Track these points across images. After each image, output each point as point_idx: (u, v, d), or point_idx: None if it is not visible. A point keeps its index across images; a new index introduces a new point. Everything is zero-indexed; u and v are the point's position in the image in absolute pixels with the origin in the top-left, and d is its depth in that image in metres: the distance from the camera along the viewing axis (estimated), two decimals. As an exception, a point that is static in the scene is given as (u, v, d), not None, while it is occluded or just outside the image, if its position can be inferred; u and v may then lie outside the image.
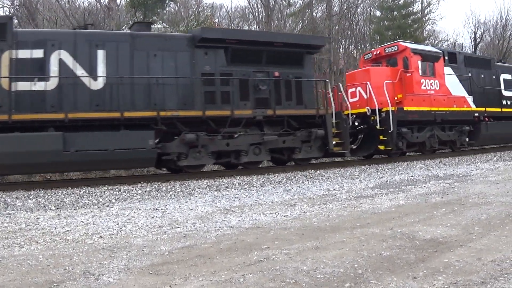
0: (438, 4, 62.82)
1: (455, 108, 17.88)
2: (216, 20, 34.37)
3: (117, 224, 7.06)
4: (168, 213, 7.90)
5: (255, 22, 37.44)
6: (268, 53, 13.56)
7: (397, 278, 4.09)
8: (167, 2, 26.12)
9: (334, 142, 14.24)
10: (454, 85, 18.16)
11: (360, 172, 13.55)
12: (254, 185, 11.35)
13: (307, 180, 12.13)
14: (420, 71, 16.89)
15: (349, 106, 15.76)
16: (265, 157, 13.78)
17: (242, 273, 4.41)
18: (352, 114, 15.64)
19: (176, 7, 33.78)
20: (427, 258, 4.68)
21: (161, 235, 6.21)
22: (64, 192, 10.36)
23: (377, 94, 15.82)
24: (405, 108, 16.21)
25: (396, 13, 34.91)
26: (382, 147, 15.94)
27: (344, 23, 37.00)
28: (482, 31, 45.08)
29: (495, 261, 4.49)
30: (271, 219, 7.16)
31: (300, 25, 36.74)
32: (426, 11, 41.31)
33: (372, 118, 15.78)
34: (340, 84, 17.14)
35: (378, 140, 15.64)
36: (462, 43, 46.56)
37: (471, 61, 19.70)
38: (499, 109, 20.10)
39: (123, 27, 26.58)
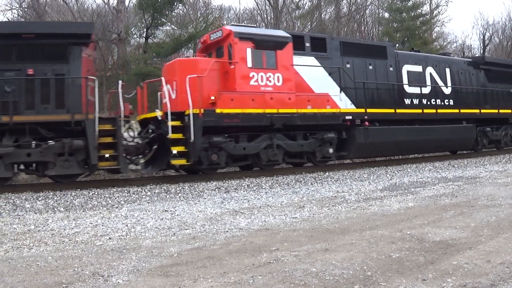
0: (447, 5, 62.43)
1: (309, 110, 13.78)
2: (225, 22, 34.42)
3: (126, 225, 7.09)
4: (177, 215, 7.91)
5: (263, 24, 37.52)
6: (17, 47, 11.20)
7: (406, 280, 4.10)
8: (175, 4, 26.22)
9: (107, 155, 11.27)
10: (317, 80, 14.30)
11: (369, 174, 13.48)
12: (263, 187, 11.34)
13: (316, 182, 12.09)
14: (249, 62, 13.05)
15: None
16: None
17: (251, 274, 4.42)
18: (145, 119, 12.95)
19: (185, 9, 33.97)
20: (436, 260, 4.68)
21: (170, 237, 6.23)
22: (73, 193, 10.38)
23: (180, 92, 12.58)
24: (218, 111, 12.36)
25: (404, 14, 34.83)
26: (177, 162, 12.06)
27: (353, 24, 36.94)
28: (490, 32, 44.94)
29: (505, 263, 4.49)
30: (280, 220, 7.16)
31: (309, 26, 36.77)
32: (434, 12, 41.30)
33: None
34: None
35: (171, 152, 11.87)
36: (471, 45, 46.50)
37: (352, 48, 15.61)
38: (391, 110, 15.84)
39: (132, 29, 26.70)
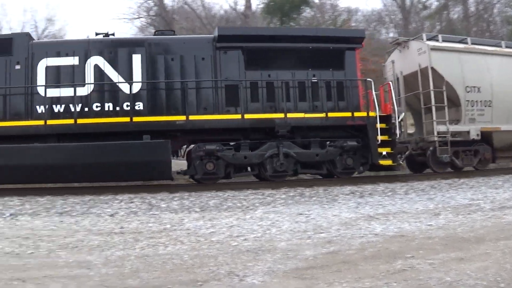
0: None
1: None
2: (354, 24, 33.79)
3: (261, 227, 7.15)
4: (312, 218, 7.84)
5: (392, 25, 36.31)
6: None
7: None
8: (302, 7, 26.26)
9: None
10: None
11: (503, 181, 12.66)
12: (398, 193, 11.01)
13: (451, 189, 11.56)
14: None
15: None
16: None
17: (386, 281, 4.38)
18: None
19: (312, 12, 33.93)
20: None
21: (305, 240, 6.20)
22: (208, 195, 10.68)
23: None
24: None
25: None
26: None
27: (482, 24, 34.37)
28: None
29: None
30: (415, 227, 6.99)
31: (438, 27, 34.92)
32: None
33: None
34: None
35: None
36: None
37: None
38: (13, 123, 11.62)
39: None
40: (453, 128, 13.72)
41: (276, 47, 12.61)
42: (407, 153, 14.04)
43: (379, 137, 12.23)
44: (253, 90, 12.44)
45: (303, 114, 12.34)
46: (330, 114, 12.42)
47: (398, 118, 12.65)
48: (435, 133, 13.47)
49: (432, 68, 13.64)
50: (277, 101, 12.37)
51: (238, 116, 12.08)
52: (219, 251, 5.66)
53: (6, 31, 34.32)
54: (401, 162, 13.53)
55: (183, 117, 11.96)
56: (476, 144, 14.14)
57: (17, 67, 11.97)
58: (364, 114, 12.54)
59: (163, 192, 11.13)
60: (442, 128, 13.53)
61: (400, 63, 15.04)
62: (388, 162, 12.37)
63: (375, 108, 12.40)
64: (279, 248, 5.67)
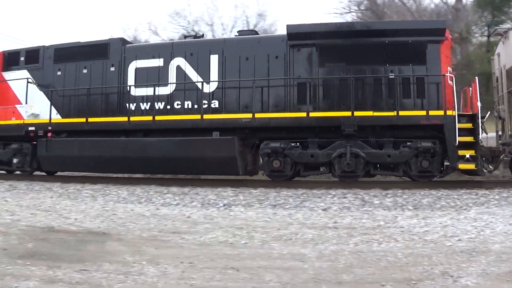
0: None
1: None
2: None
3: (475, 228, 7.16)
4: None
5: None
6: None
7: None
8: (514, 0, 24.76)
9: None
10: (11, 94, 14.57)
11: None
12: None
13: None
14: None
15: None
16: None
17: None
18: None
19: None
20: None
21: (519, 243, 6.20)
22: (421, 193, 10.59)
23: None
24: None
25: None
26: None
27: None
28: None
29: None
30: None
31: None
32: None
33: None
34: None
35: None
36: None
37: (65, 54, 14.33)
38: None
39: (472, 28, 26.13)
40: None
41: (351, 42, 12.40)
42: (502, 156, 12.28)
43: (458, 138, 11.22)
44: (325, 88, 12.40)
45: (371, 112, 11.81)
46: (402, 113, 11.65)
47: (482, 117, 11.69)
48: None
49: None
50: (349, 98, 11.93)
51: (303, 114, 12.19)
52: (433, 250, 5.82)
53: (218, 26, 36.01)
54: (489, 167, 12.13)
55: (249, 115, 12.41)
56: None
57: (112, 69, 13.80)
58: (441, 112, 11.51)
59: (375, 189, 11.27)
60: None
61: (503, 56, 13.48)
62: (470, 166, 11.30)
63: (455, 106, 11.45)
64: (493, 250, 5.79)
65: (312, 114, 12.13)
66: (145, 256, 5.73)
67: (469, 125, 11.47)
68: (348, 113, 11.84)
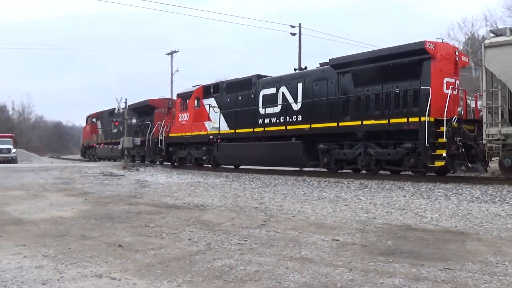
0: None
1: (195, 133, 22.94)
2: None
3: None
4: None
5: None
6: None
7: None
8: None
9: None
10: (205, 114, 22.72)
11: None
12: None
13: None
14: (179, 108, 24.91)
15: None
16: None
17: None
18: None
19: None
20: None
21: None
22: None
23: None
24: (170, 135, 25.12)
25: None
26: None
27: None
28: None
29: None
30: None
31: None
32: None
33: None
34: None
35: None
36: None
37: (231, 86, 21.59)
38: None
39: None
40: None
41: (370, 67, 15.34)
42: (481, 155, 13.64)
43: (439, 140, 13.23)
44: (357, 103, 15.74)
45: (373, 120, 14.99)
46: (392, 120, 14.44)
47: (453, 120, 13.07)
48: (484, 136, 13.01)
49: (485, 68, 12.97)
50: (368, 110, 15.25)
51: (334, 124, 16.30)
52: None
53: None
54: (469, 165, 13.30)
55: (307, 126, 17.31)
56: None
57: (252, 96, 20.19)
58: (416, 119, 13.71)
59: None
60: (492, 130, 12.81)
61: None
62: (440, 163, 13.32)
63: (428, 112, 13.36)
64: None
65: (341, 124, 16.08)
66: (507, 256, 5.62)
67: (443, 129, 13.14)
68: (358, 123, 15.41)
